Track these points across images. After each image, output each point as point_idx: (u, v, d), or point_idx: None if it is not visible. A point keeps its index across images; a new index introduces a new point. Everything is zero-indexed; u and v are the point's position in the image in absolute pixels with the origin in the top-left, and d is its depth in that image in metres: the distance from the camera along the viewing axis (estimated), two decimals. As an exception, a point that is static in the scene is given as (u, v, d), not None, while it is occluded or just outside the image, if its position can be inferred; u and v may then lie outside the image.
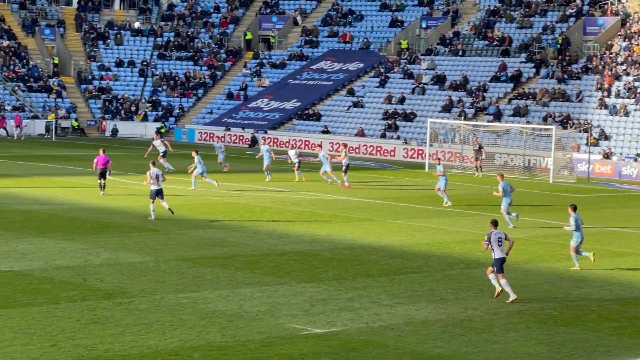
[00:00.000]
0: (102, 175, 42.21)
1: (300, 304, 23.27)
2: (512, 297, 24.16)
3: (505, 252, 24.56)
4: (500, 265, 24.38)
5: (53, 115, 79.81)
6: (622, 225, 39.11)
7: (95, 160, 42.54)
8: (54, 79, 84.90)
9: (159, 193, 36.10)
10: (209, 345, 19.52)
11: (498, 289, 24.45)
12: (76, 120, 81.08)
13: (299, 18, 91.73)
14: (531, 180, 57.44)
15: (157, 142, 55.09)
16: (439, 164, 43.96)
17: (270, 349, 19.42)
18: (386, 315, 22.54)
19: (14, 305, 21.99)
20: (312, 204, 42.08)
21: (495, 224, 25.06)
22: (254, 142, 74.96)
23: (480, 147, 58.94)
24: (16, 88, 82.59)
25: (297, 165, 51.27)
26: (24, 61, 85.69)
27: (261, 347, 19.52)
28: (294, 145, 68.25)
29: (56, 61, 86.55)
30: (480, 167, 58.55)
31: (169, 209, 36.27)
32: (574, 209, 29.30)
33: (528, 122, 67.46)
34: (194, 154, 46.28)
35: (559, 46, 75.11)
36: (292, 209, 40.33)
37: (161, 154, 54.14)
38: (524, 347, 20.34)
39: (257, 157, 52.83)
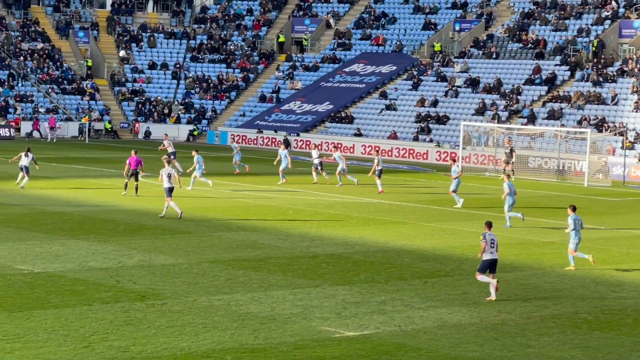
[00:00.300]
0: (134, 176, 42.33)
1: (333, 307, 23.20)
2: (492, 297, 24.55)
3: (496, 255, 24.96)
4: (487, 266, 24.79)
5: (86, 117, 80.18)
6: (658, 229, 38.76)
7: (127, 162, 42.68)
8: (87, 82, 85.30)
9: (170, 191, 36.66)
10: (241, 347, 19.49)
11: (492, 298, 24.59)
12: (109, 122, 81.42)
13: (331, 21, 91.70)
14: (565, 183, 57.08)
15: (167, 143, 55.32)
16: (454, 164, 43.85)
17: (303, 351, 19.36)
18: (419, 319, 22.43)
19: (47, 307, 22.06)
20: (345, 207, 41.99)
21: (489, 225, 25.34)
22: (286, 144, 74.91)
23: (512, 150, 58.61)
24: (50, 90, 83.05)
25: (316, 166, 50.54)
26: (58, 64, 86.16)
27: (293, 349, 19.47)
28: (317, 146, 67.77)
29: (89, 63, 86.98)
30: (512, 170, 58.16)
31: (179, 213, 36.60)
32: (574, 209, 29.37)
33: (562, 125, 67.06)
34: (193, 153, 46.44)
35: (593, 49, 74.64)
36: (325, 211, 40.26)
37: (171, 156, 54.02)
38: (558, 351, 20.17)
39: (274, 163, 51.96)
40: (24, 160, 43.91)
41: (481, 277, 24.87)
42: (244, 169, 53.78)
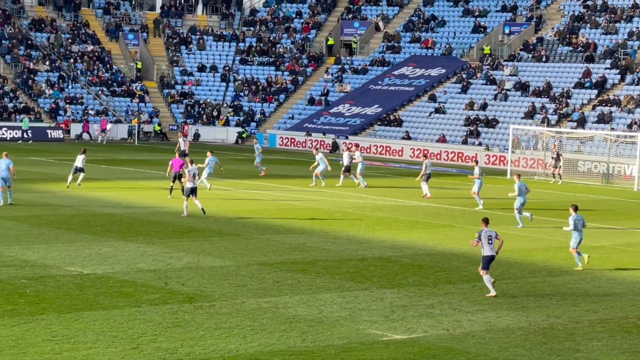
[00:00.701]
0: (178, 178, 42.55)
1: (381, 310, 23.19)
2: (492, 293, 24.82)
3: (495, 251, 25.01)
4: (487, 262, 24.94)
5: (136, 119, 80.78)
6: None
7: (170, 163, 42.83)
8: (136, 84, 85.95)
9: (193, 191, 37.19)
10: (289, 350, 19.53)
11: (492, 292, 24.85)
12: (159, 124, 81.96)
13: (381, 24, 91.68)
14: (615, 187, 56.60)
15: (181, 140, 55.59)
16: (476, 166, 44.00)
17: (351, 354, 19.37)
18: (467, 322, 22.36)
19: (96, 308, 22.24)
20: (393, 210, 41.95)
21: (486, 222, 25.64)
22: (335, 147, 75.05)
23: (559, 155, 58.25)
24: (99, 92, 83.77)
25: (358, 169, 50.14)
26: (108, 66, 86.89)
27: (341, 352, 19.48)
28: (359, 147, 66.98)
29: (139, 66, 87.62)
30: (559, 174, 57.84)
31: (202, 208, 37.23)
32: (575, 209, 29.54)
33: (612, 129, 66.53)
34: (208, 154, 46.61)
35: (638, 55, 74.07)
36: (373, 214, 40.25)
37: (184, 153, 54.37)
38: (607, 356, 20.02)
39: (310, 168, 51.60)
40: (79, 161, 44.63)
41: (487, 278, 24.91)
42: (260, 172, 53.69)
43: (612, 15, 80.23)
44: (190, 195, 37.29)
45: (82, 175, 44.99)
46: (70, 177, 44.99)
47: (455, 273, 28.24)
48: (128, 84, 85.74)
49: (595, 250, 33.34)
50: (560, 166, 57.87)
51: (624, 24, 79.14)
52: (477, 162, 46.44)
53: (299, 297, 24.15)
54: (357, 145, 65.93)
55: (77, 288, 24.28)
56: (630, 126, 66.85)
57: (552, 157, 58.58)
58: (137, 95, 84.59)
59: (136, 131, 78.90)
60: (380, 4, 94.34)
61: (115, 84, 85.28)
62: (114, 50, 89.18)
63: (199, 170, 41.80)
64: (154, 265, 27.49)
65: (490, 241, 25.04)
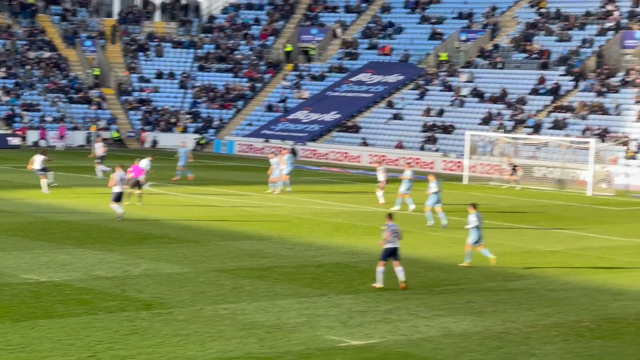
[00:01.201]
0: (137, 185, 42.55)
1: (339, 316, 23.34)
2: (379, 284, 26.38)
3: (398, 243, 26.53)
4: (387, 254, 26.36)
5: (94, 126, 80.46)
6: (662, 239, 38.83)
7: (131, 169, 42.84)
8: (94, 91, 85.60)
9: (120, 196, 37.84)
10: (248, 356, 19.63)
11: (379, 284, 26.42)
12: (116, 131, 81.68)
13: (338, 30, 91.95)
14: (569, 193, 57.18)
15: (98, 146, 55.74)
16: (408, 168, 44.80)
17: (308, 360, 19.51)
18: (424, 328, 22.56)
19: (53, 316, 22.20)
20: (351, 216, 42.13)
21: (390, 216, 26.90)
22: (293, 154, 75.10)
23: (515, 167, 58.80)
24: (57, 99, 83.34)
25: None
26: (65, 72, 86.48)
27: (299, 358, 19.61)
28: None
29: (97, 72, 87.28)
30: (515, 180, 58.34)
31: (122, 214, 37.58)
32: (474, 206, 30.31)
33: (567, 135, 67.18)
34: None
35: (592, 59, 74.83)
36: (331, 220, 40.40)
37: (98, 160, 54.54)
38: (561, 359, 20.33)
39: (268, 172, 51.26)
40: (37, 163, 44.78)
41: (380, 269, 26.36)
42: (177, 175, 53.65)
43: (566, 23, 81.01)
44: (119, 201, 37.92)
45: (51, 174, 45.35)
46: (43, 182, 45.28)
47: (412, 279, 28.43)
48: (85, 90, 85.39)
49: (550, 255, 33.73)
50: (517, 175, 58.43)
51: (577, 32, 79.94)
52: (409, 164, 47.71)
53: (257, 304, 24.24)
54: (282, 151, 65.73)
55: (34, 296, 24.22)
56: (583, 132, 67.55)
57: (509, 166, 59.16)
58: (94, 102, 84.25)
59: (93, 138, 78.51)
60: (338, 10, 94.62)
61: (72, 90, 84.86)
62: (71, 57, 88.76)
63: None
64: (111, 273, 27.47)
65: (395, 235, 26.48)
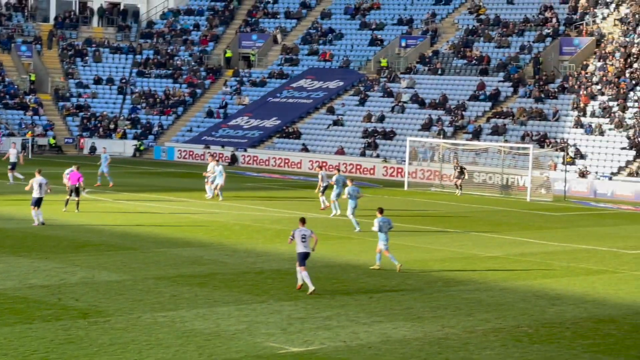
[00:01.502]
0: (75, 192, 42.18)
1: (278, 323, 23.24)
2: (311, 288, 26.58)
3: (310, 248, 27.09)
4: (302, 259, 26.88)
5: (30, 132, 79.59)
6: (597, 244, 39.23)
7: (67, 176, 42.33)
8: (30, 96, 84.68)
9: (39, 202, 37.71)
10: (185, 364, 19.46)
11: (299, 282, 26.96)
12: (53, 137, 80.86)
13: (279, 36, 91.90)
14: (509, 198, 57.59)
15: (13, 152, 55.44)
16: (338, 174, 45.35)
17: (247, 367, 19.38)
18: (364, 334, 22.53)
19: (-12, 325, 21.86)
20: (291, 223, 41.97)
21: (303, 221, 27.65)
22: (233, 160, 74.94)
23: (462, 169, 59.17)
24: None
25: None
26: (0, 78, 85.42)
27: (237, 366, 19.48)
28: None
29: (33, 78, 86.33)
30: (460, 185, 58.73)
31: (42, 222, 37.40)
32: (381, 211, 30.98)
33: (506, 141, 67.68)
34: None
35: (531, 65, 75.55)
36: (271, 227, 40.30)
37: (10, 166, 54.43)
38: (500, 365, 20.38)
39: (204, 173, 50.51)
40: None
41: (304, 274, 26.81)
42: (98, 182, 53.09)
43: (505, 29, 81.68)
44: (37, 206, 37.77)
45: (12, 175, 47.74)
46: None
47: (352, 284, 28.44)
48: (21, 96, 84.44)
49: (490, 261, 33.90)
50: (463, 178, 58.81)
51: (516, 38, 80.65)
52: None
53: (196, 311, 24.07)
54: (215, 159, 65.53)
55: (-32, 305, 23.83)
56: (523, 138, 68.09)
57: (455, 170, 59.51)
58: (30, 108, 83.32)
59: (30, 144, 77.71)
60: (278, 16, 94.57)
61: (7, 96, 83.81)
62: (6, 62, 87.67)
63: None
64: (47, 281, 27.12)
65: (303, 239, 26.94)
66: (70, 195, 42.13)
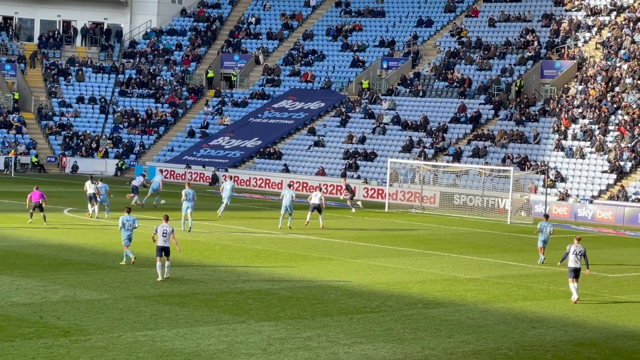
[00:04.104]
0: (39, 208, 44.34)
1: (258, 343, 23.29)
2: (160, 277, 30.76)
3: (169, 243, 31.13)
4: (160, 251, 30.99)
5: (13, 151, 79.47)
6: (579, 267, 39.33)
7: (29, 196, 44.51)
8: (13, 115, 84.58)
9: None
10: (166, 383, 19.48)
11: (160, 277, 30.70)
12: (36, 156, 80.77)
13: (260, 57, 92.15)
14: (489, 220, 57.79)
15: None
16: (290, 188, 48.99)
17: (227, 387, 19.41)
18: (344, 355, 22.60)
19: (-31, 343, 21.84)
20: (271, 243, 42.12)
21: (166, 218, 31.75)
22: (214, 180, 74.97)
23: (348, 187, 60.14)
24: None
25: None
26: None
27: (218, 385, 19.51)
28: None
29: (16, 97, 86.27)
30: (353, 202, 59.12)
31: None
32: (128, 210, 34.92)
33: (487, 163, 67.99)
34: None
35: (516, 89, 75.93)
36: (252, 247, 40.35)
37: None
38: (479, 387, 20.46)
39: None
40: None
41: (160, 264, 30.89)
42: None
43: (486, 52, 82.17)
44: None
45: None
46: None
47: (332, 305, 28.51)
48: (5, 115, 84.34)
49: (470, 283, 34.03)
50: (351, 197, 59.21)
51: (498, 61, 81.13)
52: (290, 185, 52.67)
53: (176, 330, 24.10)
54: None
55: (-51, 323, 23.80)
56: (503, 160, 68.41)
57: (347, 188, 60.21)
58: (14, 127, 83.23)
59: (13, 163, 77.60)
60: (260, 37, 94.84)
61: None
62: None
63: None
64: (29, 299, 27.11)
65: (164, 234, 31.15)
66: (34, 210, 44.30)
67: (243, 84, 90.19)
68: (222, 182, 56.17)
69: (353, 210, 57.09)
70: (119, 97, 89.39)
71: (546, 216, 42.64)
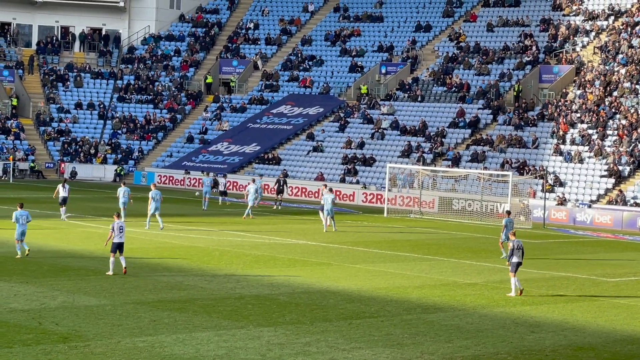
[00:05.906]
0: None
1: (257, 348, 23.28)
2: (110, 272, 32.52)
3: (124, 239, 32.93)
4: (116, 248, 32.65)
5: (11, 157, 79.48)
6: (576, 271, 39.43)
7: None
8: (12, 121, 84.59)
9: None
10: (165, 389, 19.47)
11: (110, 272, 32.48)
12: (34, 162, 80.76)
13: (259, 62, 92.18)
14: (488, 225, 57.79)
15: None
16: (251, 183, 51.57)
17: (226, 393, 19.40)
18: (343, 360, 22.61)
19: (-32, 349, 21.83)
20: (270, 248, 42.11)
21: (118, 215, 33.35)
22: (215, 185, 74.86)
23: (279, 181, 62.82)
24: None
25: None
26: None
27: (217, 391, 19.50)
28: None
29: (15, 103, 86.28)
30: (279, 201, 61.68)
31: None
32: (21, 206, 36.17)
33: (485, 168, 68.00)
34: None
35: (514, 93, 75.99)
36: (251, 252, 40.34)
37: None
38: (479, 392, 20.46)
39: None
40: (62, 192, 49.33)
41: (112, 259, 32.64)
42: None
43: (485, 57, 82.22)
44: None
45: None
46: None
47: (332, 311, 28.50)
48: (3, 121, 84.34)
49: (469, 288, 34.02)
50: (281, 195, 62.23)
51: (496, 66, 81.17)
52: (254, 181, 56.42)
53: (175, 336, 24.09)
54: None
55: (-52, 329, 23.78)
56: (502, 165, 68.43)
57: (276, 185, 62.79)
58: (12, 133, 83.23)
59: (11, 169, 77.59)
60: (259, 42, 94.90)
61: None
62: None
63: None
64: (27, 305, 27.09)
65: (121, 230, 32.63)
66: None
67: (242, 89, 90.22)
68: (247, 185, 58.48)
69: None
70: (118, 103, 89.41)
71: (508, 212, 43.97)
